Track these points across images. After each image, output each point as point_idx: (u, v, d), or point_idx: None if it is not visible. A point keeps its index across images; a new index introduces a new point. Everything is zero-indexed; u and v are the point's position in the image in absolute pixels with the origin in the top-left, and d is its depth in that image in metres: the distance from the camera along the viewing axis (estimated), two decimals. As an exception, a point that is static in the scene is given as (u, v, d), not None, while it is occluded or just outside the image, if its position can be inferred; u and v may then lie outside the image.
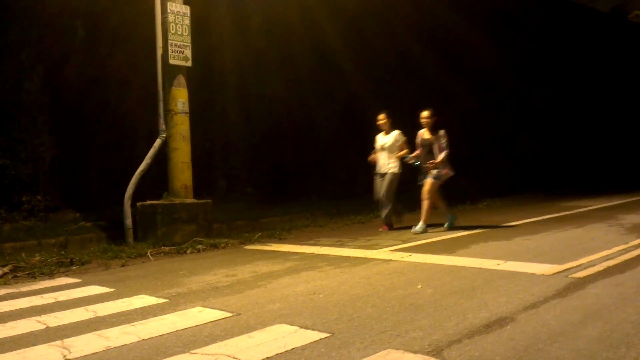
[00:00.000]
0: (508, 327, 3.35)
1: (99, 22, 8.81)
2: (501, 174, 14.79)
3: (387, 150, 8.07)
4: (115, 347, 3.26)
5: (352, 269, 5.37)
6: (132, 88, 8.99)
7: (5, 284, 5.31)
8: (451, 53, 14.37)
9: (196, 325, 3.64)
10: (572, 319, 3.47)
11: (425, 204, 7.73)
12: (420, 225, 7.67)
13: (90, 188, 8.70)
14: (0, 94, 7.85)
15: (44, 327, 3.75)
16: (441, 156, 7.58)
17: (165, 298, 4.44)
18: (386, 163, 8.07)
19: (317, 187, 11.84)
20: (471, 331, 3.28)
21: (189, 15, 7.47)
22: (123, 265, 6.13)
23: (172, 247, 6.99)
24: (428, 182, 7.67)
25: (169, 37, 7.28)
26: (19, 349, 3.29)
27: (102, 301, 4.43)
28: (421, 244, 6.76)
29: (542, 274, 4.76)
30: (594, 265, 5.08)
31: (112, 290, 4.84)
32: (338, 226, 9.13)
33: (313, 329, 3.42)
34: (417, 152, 7.88)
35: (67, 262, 6.10)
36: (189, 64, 7.58)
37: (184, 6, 7.45)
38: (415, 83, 13.50)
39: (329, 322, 3.57)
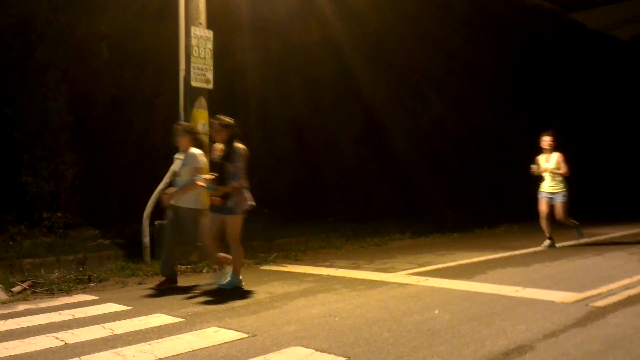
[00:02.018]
0: (527, 355, 3.31)
1: (123, 44, 9.01)
2: (518, 199, 14.65)
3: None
4: (131, 366, 3.28)
5: (368, 292, 5.34)
6: (153, 109, 9.14)
7: (24, 299, 5.37)
8: (472, 76, 14.39)
9: (212, 346, 3.65)
10: (592, 349, 3.41)
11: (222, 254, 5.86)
12: (225, 279, 5.70)
13: (110, 206, 8.80)
14: (26, 113, 8.03)
15: (62, 343, 3.78)
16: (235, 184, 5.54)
17: (181, 317, 4.46)
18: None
19: (334, 209, 11.85)
20: (489, 359, 3.24)
21: (211, 39, 7.62)
22: (140, 283, 6.17)
23: (189, 266, 7.03)
24: (230, 222, 5.63)
25: (192, 61, 7.41)
26: (37, 365, 3.32)
27: (119, 319, 4.46)
28: (438, 269, 6.71)
29: (562, 302, 4.69)
30: (614, 294, 4.99)
31: (129, 308, 4.87)
32: (354, 248, 9.10)
33: (329, 353, 3.40)
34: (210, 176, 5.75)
35: (85, 279, 6.16)
36: (210, 86, 7.70)
37: (207, 30, 7.60)
38: (436, 103, 13.56)
39: (345, 345, 3.55)
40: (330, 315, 4.36)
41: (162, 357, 3.43)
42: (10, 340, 3.86)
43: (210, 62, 7.68)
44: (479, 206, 13.32)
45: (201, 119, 7.77)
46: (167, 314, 4.57)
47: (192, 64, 7.48)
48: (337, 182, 12.25)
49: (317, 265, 7.20)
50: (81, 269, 6.57)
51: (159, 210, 7.63)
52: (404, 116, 12.99)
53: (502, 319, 4.17)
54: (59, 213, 7.97)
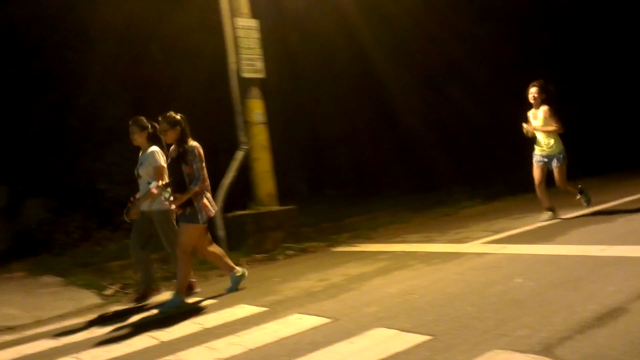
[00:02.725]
0: (622, 318, 3.17)
1: (172, 43, 9.22)
2: (598, 150, 13.81)
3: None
4: (224, 359, 3.41)
5: (444, 265, 5.28)
6: (209, 104, 9.34)
7: (117, 301, 5.70)
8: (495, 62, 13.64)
9: (297, 333, 3.73)
10: (694, 307, 3.21)
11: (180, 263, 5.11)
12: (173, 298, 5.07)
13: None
14: (92, 122, 8.43)
15: (157, 342, 3.99)
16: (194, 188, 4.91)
17: (264, 306, 4.58)
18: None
19: (398, 182, 11.74)
20: (582, 326, 3.13)
21: (257, 28, 7.65)
22: (221, 276, 6.38)
23: (264, 255, 7.20)
24: (185, 230, 5.04)
25: (241, 52, 7.49)
26: (138, 364, 3.52)
27: (207, 313, 4.64)
28: (515, 234, 6.52)
29: (654, 258, 4.45)
30: None
31: (214, 301, 5.06)
32: (424, 220, 8.99)
33: (413, 332, 3.40)
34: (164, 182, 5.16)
35: (170, 276, 6.44)
36: (262, 75, 7.76)
37: (251, 20, 7.63)
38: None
39: (428, 323, 3.53)
40: (409, 293, 4.35)
41: (252, 347, 3.55)
42: (110, 343, 4.11)
43: (258, 51, 7.72)
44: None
45: (256, 108, 7.88)
46: (250, 304, 4.71)
47: (241, 55, 7.56)
48: (398, 155, 12.12)
49: (389, 242, 7.19)
50: (165, 267, 6.87)
51: (228, 201, 7.85)
52: (459, 83, 12.61)
53: (590, 281, 4.01)
54: (136, 215, 8.35)
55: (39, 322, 5.19)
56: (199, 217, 4.97)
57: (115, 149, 8.45)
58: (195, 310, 4.79)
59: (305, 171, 11.11)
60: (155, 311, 4.97)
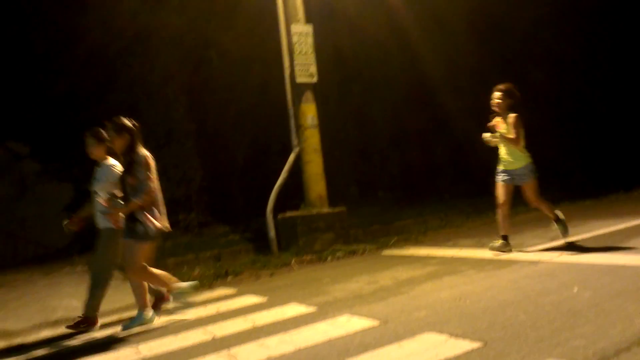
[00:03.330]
0: (686, 333, 3.04)
1: (229, 49, 9.49)
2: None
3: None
4: (275, 357, 3.50)
5: (497, 272, 5.19)
6: (262, 108, 9.55)
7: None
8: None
9: (347, 334, 3.77)
10: None
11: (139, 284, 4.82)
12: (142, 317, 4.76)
13: (235, 203, 9.39)
14: (153, 125, 8.78)
15: (211, 337, 4.13)
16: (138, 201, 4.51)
17: (313, 306, 4.65)
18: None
19: (449, 186, 11.60)
20: (641, 338, 3.03)
21: (311, 33, 7.77)
22: (271, 275, 6.53)
23: (313, 256, 7.30)
24: (128, 247, 4.63)
25: (295, 57, 7.64)
26: (192, 359, 3.65)
27: (258, 311, 4.76)
28: (572, 242, 6.32)
29: None
30: None
31: (265, 299, 5.18)
32: (475, 225, 8.85)
33: (464, 338, 3.37)
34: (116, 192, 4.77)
35: (222, 273, 6.65)
36: (315, 80, 7.88)
37: (306, 26, 7.76)
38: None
39: (479, 330, 3.50)
40: (460, 299, 4.31)
41: (302, 347, 3.62)
42: (166, 336, 4.29)
43: (312, 56, 7.84)
44: (608, 167, 12.26)
45: (309, 112, 8.00)
46: (300, 304, 4.79)
47: (295, 61, 7.70)
48: (451, 159, 11.97)
49: (439, 247, 7.12)
50: (218, 264, 7.10)
51: (280, 202, 8.01)
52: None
53: (651, 293, 3.86)
54: (192, 214, 8.67)
55: (100, 314, 5.45)
56: (142, 233, 4.48)
57: (172, 150, 8.78)
58: (247, 308, 4.92)
59: (356, 174, 11.16)
60: (209, 307, 5.14)
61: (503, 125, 5.93)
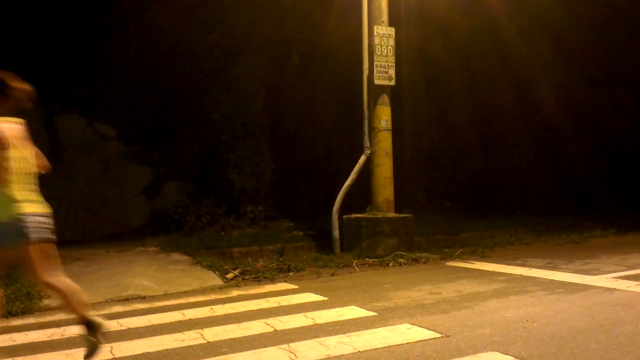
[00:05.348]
0: None
1: (310, 48, 9.62)
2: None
3: None
4: (334, 356, 3.52)
5: (568, 296, 4.97)
6: (338, 108, 9.61)
7: (236, 285, 6.09)
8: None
9: (407, 343, 3.74)
10: None
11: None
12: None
13: (302, 200, 9.52)
14: (230, 117, 9.07)
15: (272, 330, 4.21)
16: None
17: (374, 311, 4.64)
18: None
19: (521, 202, 11.19)
20: None
21: (393, 36, 7.74)
22: (332, 275, 6.57)
23: (375, 259, 7.27)
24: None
25: (375, 59, 7.63)
26: (253, 349, 3.74)
27: (318, 309, 4.80)
28: (652, 272, 5.94)
29: None
30: None
31: (325, 298, 5.22)
32: (547, 245, 8.49)
33: (530, 361, 3.26)
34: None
35: (285, 268, 6.76)
36: (393, 83, 7.83)
37: (389, 28, 7.74)
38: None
39: (546, 355, 3.37)
40: (527, 321, 4.16)
41: (361, 350, 3.62)
42: (229, 324, 4.42)
43: (392, 59, 7.80)
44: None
45: (384, 115, 7.97)
46: (360, 307, 4.79)
47: (375, 63, 7.69)
48: (524, 174, 11.53)
49: (507, 264, 6.89)
50: (281, 258, 7.22)
51: (346, 203, 8.04)
52: (596, 101, 11.64)
53: None
54: (260, 206, 8.88)
55: (167, 295, 5.71)
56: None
57: (247, 142, 9.02)
58: (308, 305, 4.98)
59: (425, 181, 10.99)
60: (271, 300, 5.24)
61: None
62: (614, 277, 5.72)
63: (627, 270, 6.09)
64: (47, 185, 3.85)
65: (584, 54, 11.46)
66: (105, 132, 9.80)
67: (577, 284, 5.44)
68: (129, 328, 4.46)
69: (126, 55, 9.66)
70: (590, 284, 5.44)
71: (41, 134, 9.36)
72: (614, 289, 5.17)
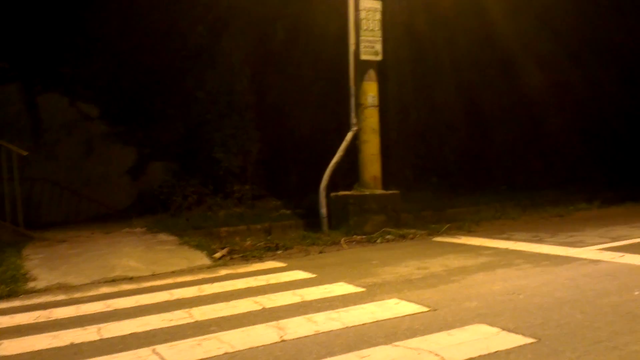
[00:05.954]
0: None
1: (295, 23, 9.47)
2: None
3: None
4: (323, 332, 3.53)
5: (554, 268, 5.03)
6: (325, 84, 9.51)
7: (224, 265, 6.07)
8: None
9: (395, 317, 3.76)
10: None
11: None
12: None
13: (289, 178, 9.48)
14: (215, 95, 8.95)
15: (260, 307, 4.21)
16: None
17: (362, 287, 4.66)
18: None
19: (507, 177, 11.25)
20: None
21: (380, 10, 7.64)
22: (321, 252, 6.58)
23: (363, 236, 7.29)
24: None
25: (361, 34, 7.53)
26: (242, 327, 3.74)
27: (307, 286, 4.81)
28: (635, 243, 6.03)
29: None
30: None
31: (314, 276, 5.23)
32: (532, 219, 8.57)
33: (516, 333, 3.30)
34: None
35: (273, 246, 6.75)
36: (379, 57, 7.75)
37: (376, 2, 7.63)
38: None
39: (533, 326, 3.41)
40: (513, 293, 4.21)
41: (350, 325, 3.64)
42: (218, 302, 4.41)
43: (378, 33, 7.71)
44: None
45: (370, 91, 7.90)
46: (348, 283, 4.81)
47: (361, 37, 7.60)
48: (509, 149, 11.58)
49: (493, 238, 6.95)
50: (268, 237, 7.21)
51: (333, 181, 8.02)
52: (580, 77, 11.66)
53: None
54: (247, 185, 8.83)
55: (155, 276, 5.68)
56: None
57: (233, 121, 8.92)
58: (296, 283, 4.99)
59: (412, 157, 10.99)
60: (259, 278, 5.24)
61: None
62: (598, 249, 5.80)
63: (611, 242, 6.18)
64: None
65: (568, 30, 11.45)
66: (88, 112, 9.62)
67: (563, 257, 5.51)
68: (116, 309, 4.43)
69: (108, 33, 9.45)
70: (576, 256, 5.51)
71: (23, 114, 9.18)
72: (599, 260, 5.25)
